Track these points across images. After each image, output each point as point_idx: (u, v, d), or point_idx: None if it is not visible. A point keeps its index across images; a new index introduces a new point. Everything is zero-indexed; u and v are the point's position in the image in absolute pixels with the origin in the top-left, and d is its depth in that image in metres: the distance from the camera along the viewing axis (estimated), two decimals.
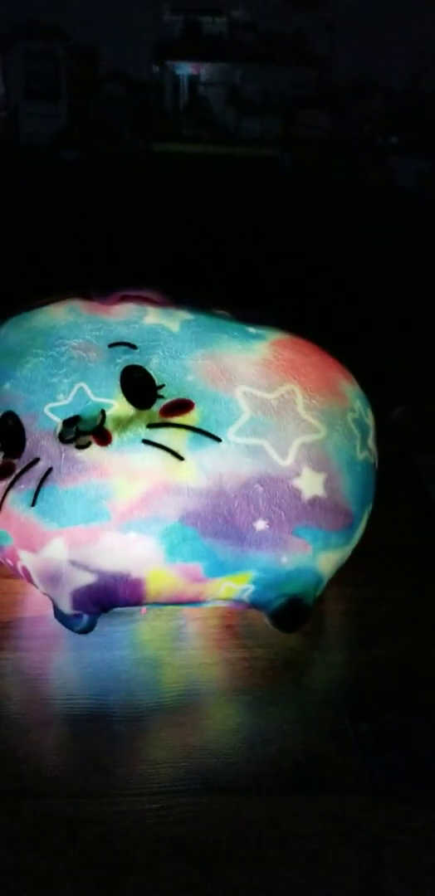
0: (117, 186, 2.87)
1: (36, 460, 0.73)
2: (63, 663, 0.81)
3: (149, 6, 3.28)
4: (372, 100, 3.27)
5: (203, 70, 3.30)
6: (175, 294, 0.78)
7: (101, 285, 0.77)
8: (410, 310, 1.81)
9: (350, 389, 0.80)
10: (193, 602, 0.80)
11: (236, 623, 0.85)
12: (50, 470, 0.72)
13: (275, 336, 0.78)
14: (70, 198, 2.70)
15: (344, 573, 0.83)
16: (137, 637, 0.84)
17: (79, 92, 3.25)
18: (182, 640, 0.84)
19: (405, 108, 3.29)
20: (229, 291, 1.76)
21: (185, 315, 0.76)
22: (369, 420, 0.82)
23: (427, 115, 3.22)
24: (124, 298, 0.76)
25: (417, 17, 3.27)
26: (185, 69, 3.29)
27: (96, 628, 0.80)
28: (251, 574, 0.76)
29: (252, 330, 0.77)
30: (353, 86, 3.32)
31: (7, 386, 0.75)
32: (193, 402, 0.73)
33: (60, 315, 0.76)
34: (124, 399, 0.73)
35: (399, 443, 1.14)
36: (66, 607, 0.77)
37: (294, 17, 3.30)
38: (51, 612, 0.81)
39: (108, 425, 0.72)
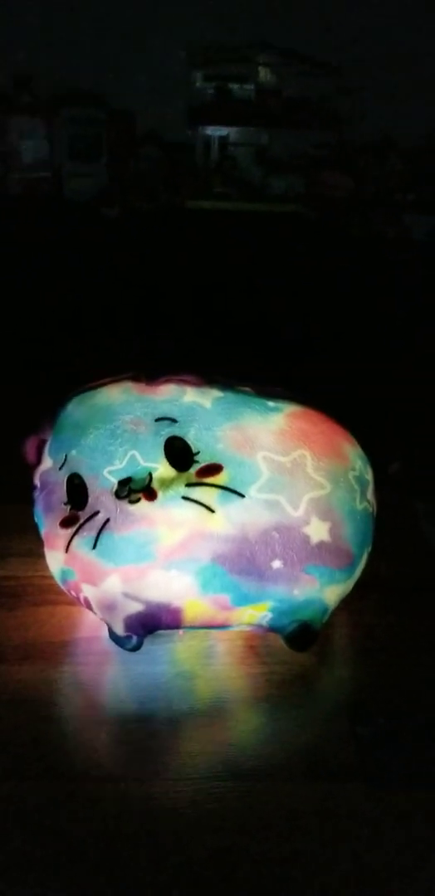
0: (153, 240, 2.91)
1: (96, 512, 0.82)
2: (114, 675, 0.88)
3: (182, 74, 3.34)
4: (389, 160, 3.31)
5: (232, 132, 3.34)
6: (207, 375, 0.86)
7: (149, 371, 0.86)
8: (421, 363, 1.85)
9: (352, 451, 0.88)
10: (222, 626, 0.88)
11: (257, 643, 0.92)
12: (108, 520, 0.81)
13: (289, 408, 0.86)
14: (109, 250, 2.75)
15: (348, 602, 0.91)
16: (175, 655, 0.91)
17: (118, 153, 3.29)
18: (212, 657, 0.91)
19: (421, 167, 3.33)
20: (253, 339, 1.86)
21: (216, 393, 0.85)
22: (368, 476, 0.90)
23: None
24: (167, 381, 0.84)
25: (431, 81, 3.33)
26: (216, 131, 3.34)
27: (141, 647, 0.88)
28: (269, 604, 0.84)
29: (271, 403, 0.85)
30: (371, 147, 3.36)
31: (74, 452, 0.84)
32: (223, 465, 0.81)
33: (116, 395, 0.85)
34: (167, 463, 0.81)
35: (398, 491, 1.20)
36: (120, 630, 0.85)
37: (317, 83, 3.37)
38: (104, 633, 0.89)
39: (155, 485, 0.80)
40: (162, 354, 1.63)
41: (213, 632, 0.92)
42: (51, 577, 0.90)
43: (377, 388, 1.64)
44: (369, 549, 0.90)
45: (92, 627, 0.94)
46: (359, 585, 0.91)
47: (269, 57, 3.37)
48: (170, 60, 3.34)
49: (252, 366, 1.64)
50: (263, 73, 3.38)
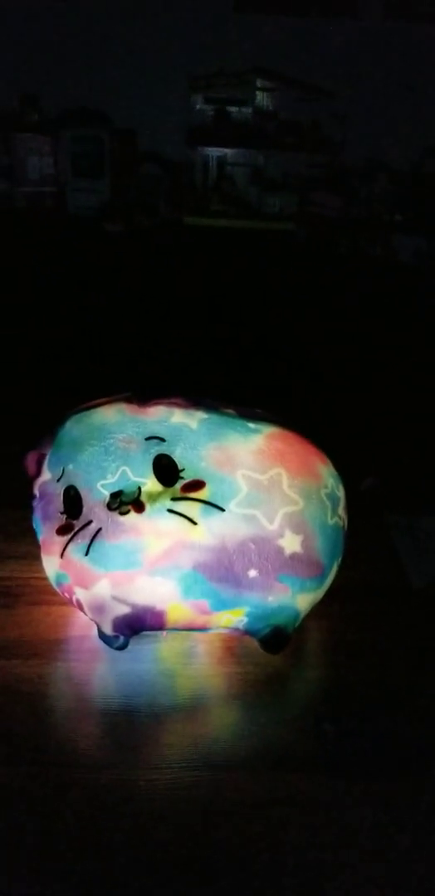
0: (152, 255, 2.92)
1: (89, 522, 0.85)
2: (102, 672, 0.92)
3: (183, 96, 3.36)
4: (378, 182, 3.34)
5: (230, 153, 3.36)
6: (194, 398, 0.90)
7: (140, 393, 0.89)
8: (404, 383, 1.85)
9: (325, 470, 0.91)
10: (202, 629, 0.91)
11: (234, 645, 0.95)
12: (100, 529, 0.84)
13: (268, 430, 0.89)
14: (112, 264, 2.75)
15: (319, 609, 0.94)
16: (159, 654, 0.94)
17: (120, 170, 3.32)
18: (193, 657, 0.95)
19: (408, 189, 3.35)
20: (241, 355, 1.88)
21: (201, 414, 0.88)
22: (340, 493, 0.93)
23: (428, 197, 3.27)
24: (157, 402, 0.88)
25: (420, 106, 3.36)
26: (214, 152, 3.36)
27: (128, 646, 0.91)
28: (245, 609, 0.87)
29: (251, 425, 0.89)
30: (361, 169, 3.39)
31: (70, 467, 0.88)
32: (205, 481, 0.85)
33: (110, 415, 0.88)
34: (155, 479, 0.85)
35: (371, 505, 1.24)
36: (108, 630, 0.89)
37: (310, 108, 3.40)
38: (94, 632, 0.92)
39: (143, 498, 0.84)
40: (159, 371, 1.65)
41: (194, 633, 0.95)
42: (46, 579, 0.93)
43: (353, 408, 1.65)
44: (340, 560, 0.94)
45: (83, 627, 0.97)
46: (330, 593, 0.94)
47: (265, 82, 3.40)
48: (171, 83, 3.36)
49: (241, 384, 1.67)
50: (260, 98, 3.41)
